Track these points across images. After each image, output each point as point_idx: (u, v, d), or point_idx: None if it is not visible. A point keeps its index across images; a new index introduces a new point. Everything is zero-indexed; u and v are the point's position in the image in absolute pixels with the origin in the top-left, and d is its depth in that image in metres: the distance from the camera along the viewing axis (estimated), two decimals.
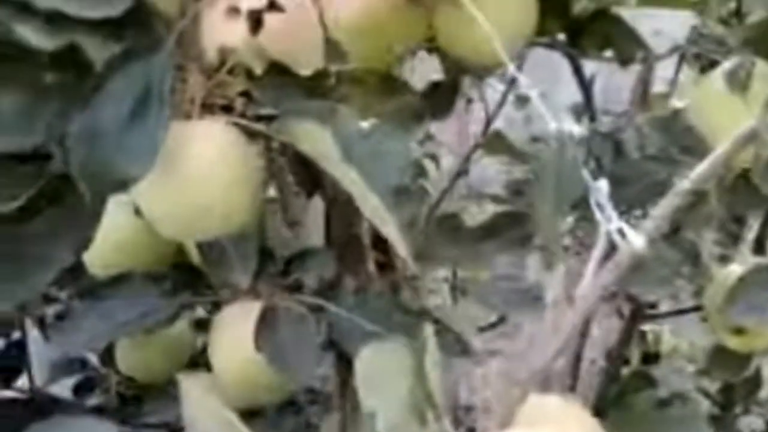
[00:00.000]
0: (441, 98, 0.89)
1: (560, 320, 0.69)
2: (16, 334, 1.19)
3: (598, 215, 0.67)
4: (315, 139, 0.56)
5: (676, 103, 1.14)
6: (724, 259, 1.05)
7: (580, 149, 1.00)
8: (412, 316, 0.74)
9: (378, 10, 0.75)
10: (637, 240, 0.63)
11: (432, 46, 0.83)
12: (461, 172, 1.22)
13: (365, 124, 0.58)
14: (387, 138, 0.57)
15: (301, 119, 0.57)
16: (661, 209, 0.65)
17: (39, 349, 1.19)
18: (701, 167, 0.65)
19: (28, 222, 0.58)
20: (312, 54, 0.60)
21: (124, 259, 0.76)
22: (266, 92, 0.60)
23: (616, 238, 0.65)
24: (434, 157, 1.27)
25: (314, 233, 0.80)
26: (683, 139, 0.92)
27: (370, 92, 0.66)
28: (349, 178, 0.54)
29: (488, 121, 1.21)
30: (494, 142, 1.17)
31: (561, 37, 0.89)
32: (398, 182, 0.56)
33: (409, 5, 0.76)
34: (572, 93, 1.02)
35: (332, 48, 0.73)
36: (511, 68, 0.72)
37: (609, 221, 0.66)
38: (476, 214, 1.28)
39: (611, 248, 0.67)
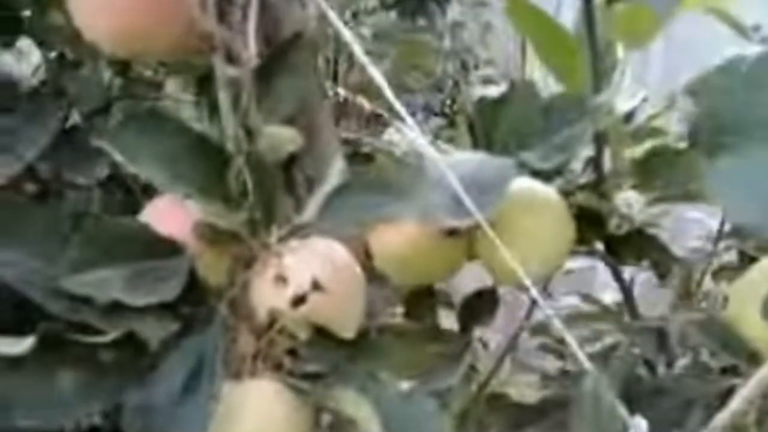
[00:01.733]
0: (484, 306, 0.90)
1: None
2: None
3: None
4: (357, 406, 0.57)
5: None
6: None
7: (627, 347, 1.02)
8: None
9: (420, 242, 0.78)
10: None
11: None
12: (508, 350, 1.22)
13: (405, 385, 0.59)
14: (427, 402, 0.58)
15: (344, 385, 0.59)
16: None
17: None
18: (738, 398, 0.65)
19: None
20: (355, 318, 0.62)
21: None
22: (312, 351, 0.62)
23: None
24: (482, 340, 1.28)
25: None
26: (724, 340, 0.92)
27: (412, 343, 0.68)
28: None
29: (533, 302, 1.22)
30: (539, 327, 1.18)
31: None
32: None
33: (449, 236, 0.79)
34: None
35: (376, 275, 0.76)
36: (534, 293, 0.73)
37: None
38: (524, 388, 1.28)
39: None
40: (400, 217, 0.61)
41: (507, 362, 1.28)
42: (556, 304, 1.42)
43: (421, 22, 3.43)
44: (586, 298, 1.38)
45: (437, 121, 3.42)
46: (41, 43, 0.80)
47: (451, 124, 3.45)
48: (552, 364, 1.37)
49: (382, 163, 0.87)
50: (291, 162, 0.71)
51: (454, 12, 3.37)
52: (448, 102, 3.43)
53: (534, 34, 0.97)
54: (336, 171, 0.67)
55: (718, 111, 0.33)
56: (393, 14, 3.11)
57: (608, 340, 1.26)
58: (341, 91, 0.88)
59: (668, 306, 1.08)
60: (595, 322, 1.27)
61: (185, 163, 0.54)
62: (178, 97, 0.79)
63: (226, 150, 0.58)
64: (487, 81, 3.33)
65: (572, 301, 1.46)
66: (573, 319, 1.31)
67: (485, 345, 1.29)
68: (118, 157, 0.51)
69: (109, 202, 0.84)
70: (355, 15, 2.38)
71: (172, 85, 0.84)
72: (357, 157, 0.90)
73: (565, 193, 0.83)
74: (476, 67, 3.42)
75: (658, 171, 0.86)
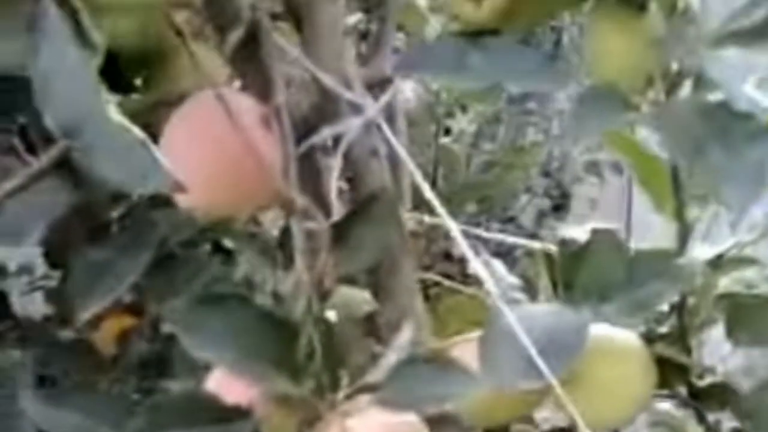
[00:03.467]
0: None
1: None
2: None
3: None
4: None
5: None
6: None
7: None
8: None
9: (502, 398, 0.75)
10: None
11: None
12: None
13: None
14: None
15: None
16: None
17: None
18: None
19: None
20: None
21: None
22: None
23: None
24: None
25: None
26: None
27: None
28: None
29: None
30: None
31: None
32: None
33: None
34: None
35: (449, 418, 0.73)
36: None
37: None
38: None
39: None
40: (470, 394, 0.59)
41: None
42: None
43: (531, 105, 3.41)
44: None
45: (539, 202, 3.38)
46: None
47: (555, 208, 3.41)
48: None
49: (461, 305, 0.85)
50: None
51: (562, 97, 3.34)
52: (554, 185, 3.38)
53: (630, 157, 0.95)
54: (410, 327, 0.66)
55: None
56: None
57: None
58: (427, 218, 0.87)
59: None
60: None
61: (253, 340, 0.54)
62: (265, 231, 0.79)
63: (294, 321, 0.56)
64: (591, 166, 3.29)
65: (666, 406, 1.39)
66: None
67: None
68: (185, 340, 0.51)
69: None
70: (464, 107, 2.36)
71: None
72: (440, 291, 0.88)
73: (647, 339, 0.80)
74: (581, 152, 3.37)
75: (745, 322, 0.82)
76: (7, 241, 0.78)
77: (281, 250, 0.66)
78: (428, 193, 0.67)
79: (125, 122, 0.43)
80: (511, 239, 1.55)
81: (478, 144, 2.51)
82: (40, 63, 0.42)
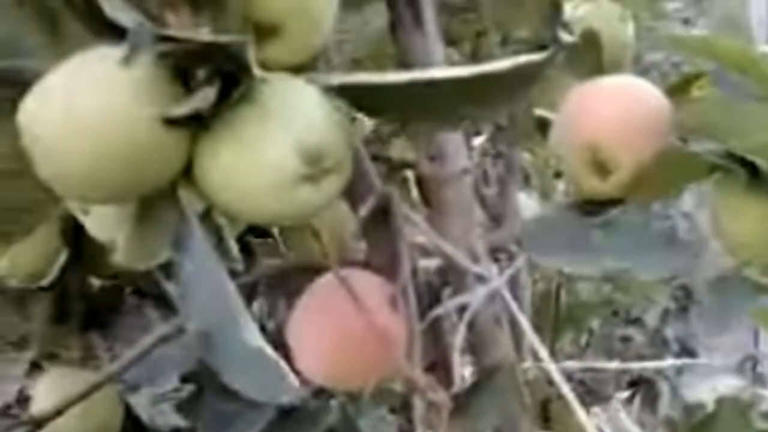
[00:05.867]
0: None
1: None
2: None
3: None
4: None
5: None
6: None
7: None
8: None
9: None
10: None
11: None
12: None
13: None
14: None
15: None
16: None
17: None
18: None
19: None
20: None
21: None
22: None
23: None
24: None
25: None
26: None
27: None
28: None
29: None
30: None
31: None
32: None
33: None
34: None
35: None
36: None
37: None
38: None
39: None
40: None
41: None
42: None
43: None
44: None
45: (664, 303, 3.29)
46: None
47: (681, 309, 3.30)
48: None
49: None
50: None
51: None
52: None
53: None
54: None
55: None
56: None
57: None
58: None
59: None
60: None
61: None
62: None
63: None
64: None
65: None
66: None
67: None
68: None
69: None
70: None
71: None
72: None
73: None
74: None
75: None
76: (144, 383, 0.81)
77: (404, 414, 0.67)
78: (543, 353, 0.66)
79: (258, 337, 0.44)
80: (635, 365, 1.52)
81: None
82: (183, 275, 0.44)
